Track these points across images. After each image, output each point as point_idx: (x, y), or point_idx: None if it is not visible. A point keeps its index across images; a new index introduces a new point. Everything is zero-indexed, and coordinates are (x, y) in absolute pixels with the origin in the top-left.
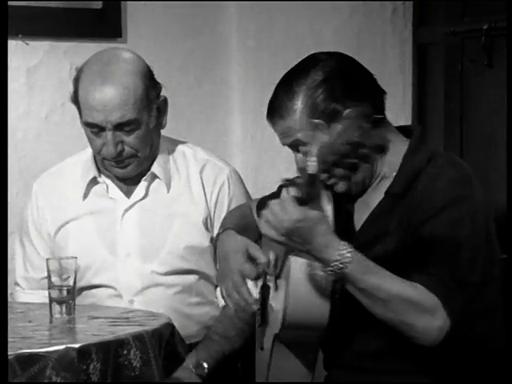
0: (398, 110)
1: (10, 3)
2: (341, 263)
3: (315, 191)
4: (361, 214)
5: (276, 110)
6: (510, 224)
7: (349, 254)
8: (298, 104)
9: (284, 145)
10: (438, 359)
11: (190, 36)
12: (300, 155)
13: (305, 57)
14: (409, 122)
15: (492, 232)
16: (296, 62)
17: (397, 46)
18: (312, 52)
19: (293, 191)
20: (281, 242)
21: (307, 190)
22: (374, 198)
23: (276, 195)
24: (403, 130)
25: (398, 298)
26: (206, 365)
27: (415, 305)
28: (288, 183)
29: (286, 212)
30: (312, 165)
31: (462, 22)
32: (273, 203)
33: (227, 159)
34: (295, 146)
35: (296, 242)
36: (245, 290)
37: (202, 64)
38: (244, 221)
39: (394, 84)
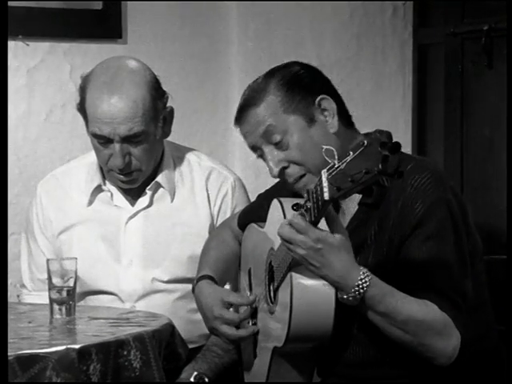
0: (398, 110)
1: (10, 4)
2: (361, 288)
3: (325, 213)
4: None
5: (246, 105)
6: (509, 224)
7: (368, 279)
8: (271, 89)
9: (253, 146)
10: (429, 366)
11: (190, 37)
12: (276, 152)
13: None
14: (409, 123)
15: (471, 225)
16: None
17: (397, 47)
18: (312, 53)
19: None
20: (302, 262)
21: (319, 214)
22: (347, 206)
23: (256, 209)
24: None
25: (416, 320)
26: (207, 380)
27: (432, 326)
28: (299, 208)
29: (299, 235)
30: (326, 191)
31: (461, 23)
32: (283, 226)
33: (227, 160)
34: (269, 137)
35: (313, 265)
36: (234, 332)
37: (203, 65)
38: (223, 253)
39: (394, 85)
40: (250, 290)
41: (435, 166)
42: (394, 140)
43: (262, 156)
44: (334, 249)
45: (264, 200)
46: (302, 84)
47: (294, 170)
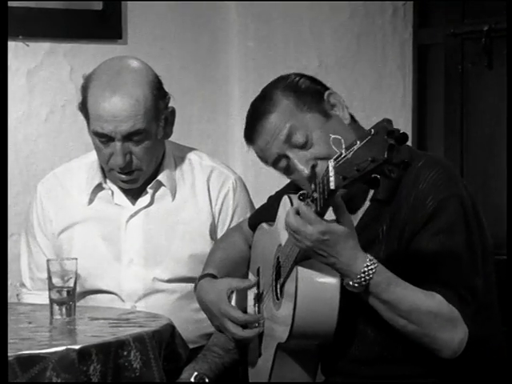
0: (398, 111)
1: (10, 4)
2: (367, 275)
3: (332, 202)
4: None
5: (257, 118)
6: (509, 224)
7: (373, 266)
8: (279, 96)
9: (278, 156)
10: (435, 364)
11: (190, 37)
12: (301, 153)
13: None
14: (409, 124)
15: (482, 223)
16: (296, 64)
17: (397, 47)
18: (311, 54)
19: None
20: (309, 254)
21: (326, 203)
22: (359, 203)
23: (267, 209)
24: None
25: (420, 310)
26: (207, 380)
27: (438, 317)
28: (306, 198)
29: (308, 226)
30: (332, 180)
31: (462, 23)
32: (289, 215)
33: (227, 160)
34: (292, 139)
35: (321, 255)
36: (240, 332)
37: (203, 65)
38: (229, 254)
39: (394, 85)
40: (258, 288)
41: (447, 162)
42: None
43: (287, 167)
44: (341, 237)
45: (275, 201)
46: (306, 86)
47: (323, 167)
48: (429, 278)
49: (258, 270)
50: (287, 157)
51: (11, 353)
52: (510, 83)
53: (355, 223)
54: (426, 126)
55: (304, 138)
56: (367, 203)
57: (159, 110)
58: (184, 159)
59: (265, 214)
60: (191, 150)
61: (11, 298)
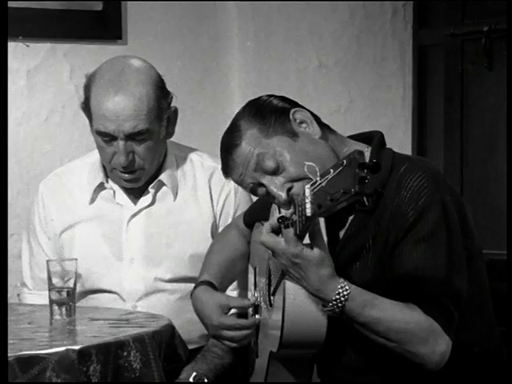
0: (398, 111)
1: (10, 4)
2: (339, 302)
3: (310, 227)
4: (336, 232)
5: (227, 152)
6: (509, 224)
7: (346, 292)
8: (244, 126)
9: (253, 185)
10: (426, 373)
11: (190, 38)
12: (275, 179)
13: None
14: (409, 124)
15: (469, 225)
16: (295, 64)
17: (397, 47)
18: (311, 54)
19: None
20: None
21: (304, 228)
22: (345, 214)
23: (260, 207)
24: (362, 137)
25: (398, 329)
26: (206, 380)
27: (416, 333)
28: (284, 221)
29: (282, 244)
30: (308, 207)
31: (462, 23)
32: (265, 235)
33: None
34: (263, 166)
35: (294, 275)
36: (237, 333)
37: (203, 66)
38: (225, 256)
39: (394, 86)
40: (255, 288)
41: (431, 165)
42: (389, 145)
43: (267, 193)
44: (312, 264)
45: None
46: (271, 107)
47: (299, 188)
48: (411, 290)
49: (255, 269)
50: (263, 184)
51: (11, 353)
52: (509, 84)
53: (341, 234)
54: (426, 126)
55: (274, 164)
56: (352, 214)
57: (162, 109)
58: (186, 159)
59: (259, 212)
60: (193, 150)
61: (11, 298)
